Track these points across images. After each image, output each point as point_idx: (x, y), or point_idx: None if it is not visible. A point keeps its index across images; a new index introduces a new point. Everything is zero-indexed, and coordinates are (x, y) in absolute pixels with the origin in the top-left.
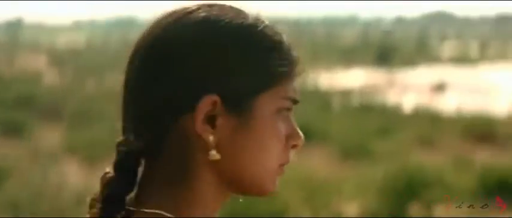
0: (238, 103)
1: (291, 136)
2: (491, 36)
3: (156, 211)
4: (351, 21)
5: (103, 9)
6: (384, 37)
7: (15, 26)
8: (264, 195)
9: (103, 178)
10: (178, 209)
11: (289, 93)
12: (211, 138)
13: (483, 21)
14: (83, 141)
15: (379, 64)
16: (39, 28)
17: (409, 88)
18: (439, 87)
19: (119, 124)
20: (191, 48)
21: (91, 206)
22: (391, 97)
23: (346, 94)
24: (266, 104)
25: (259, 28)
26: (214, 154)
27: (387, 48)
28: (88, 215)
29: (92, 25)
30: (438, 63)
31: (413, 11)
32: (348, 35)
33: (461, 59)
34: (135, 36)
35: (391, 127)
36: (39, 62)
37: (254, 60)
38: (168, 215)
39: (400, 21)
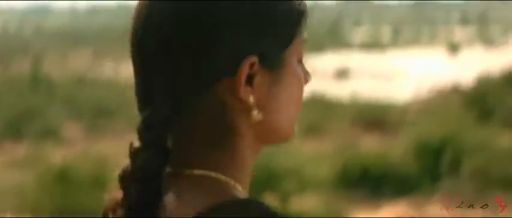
0: (272, 60)
1: (305, 77)
2: (406, 22)
3: (200, 171)
4: None
5: None
6: None
7: None
8: (288, 140)
9: (133, 152)
10: (225, 169)
11: (304, 36)
12: (251, 98)
13: (401, 6)
14: None
15: None
16: None
17: (313, 74)
18: (342, 73)
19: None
20: (222, 9)
21: (122, 184)
22: None
23: None
24: (292, 55)
25: None
26: (256, 115)
27: None
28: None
29: (10, 13)
30: (348, 48)
31: None
32: None
33: (373, 45)
34: (48, 24)
35: None
36: None
37: (281, 15)
38: (220, 175)
39: (315, 6)
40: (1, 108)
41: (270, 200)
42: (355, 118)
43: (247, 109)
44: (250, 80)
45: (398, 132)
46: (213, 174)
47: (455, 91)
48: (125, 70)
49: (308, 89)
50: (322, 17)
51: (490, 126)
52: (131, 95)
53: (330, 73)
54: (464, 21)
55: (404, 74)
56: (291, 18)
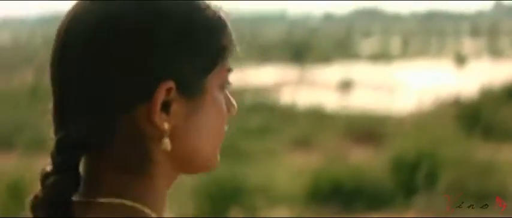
0: (191, 86)
1: (228, 107)
2: (417, 32)
3: (115, 200)
4: (280, 18)
5: (31, 7)
6: (308, 34)
7: None
8: (209, 171)
9: (43, 176)
10: (136, 196)
11: (228, 65)
12: (166, 125)
13: (413, 17)
14: None
15: (295, 61)
16: None
17: (317, 86)
18: (345, 85)
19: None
20: (141, 32)
21: (33, 208)
22: (293, 96)
23: (240, 93)
24: (214, 82)
25: (202, 7)
26: (166, 143)
27: (303, 45)
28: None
29: (21, 23)
30: (356, 60)
31: (342, 8)
32: (273, 33)
33: (380, 56)
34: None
35: (273, 127)
36: None
37: (202, 41)
38: (135, 204)
39: (328, 18)
40: None
41: (236, 215)
42: (347, 130)
43: (160, 136)
44: (167, 107)
45: (387, 144)
46: (127, 202)
47: (456, 103)
48: None
49: (305, 100)
50: (333, 28)
51: (481, 139)
52: None
53: (333, 85)
54: (474, 32)
55: (407, 86)
56: (211, 46)
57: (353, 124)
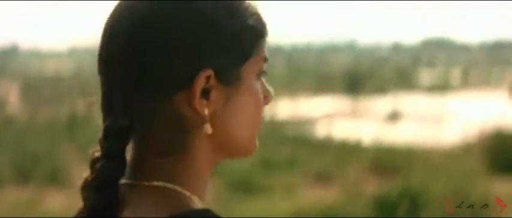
0: (229, 75)
1: (264, 95)
2: (481, 63)
3: (158, 183)
4: (349, 47)
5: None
6: (374, 64)
7: (8, 53)
8: (249, 155)
9: (92, 161)
10: (182, 180)
11: (264, 54)
12: (206, 111)
13: (481, 46)
14: None
15: (352, 92)
16: (35, 54)
17: (367, 118)
18: (393, 116)
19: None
20: (181, 25)
21: (83, 190)
22: (341, 127)
23: (280, 125)
24: (250, 70)
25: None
26: (208, 128)
27: (361, 76)
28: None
29: (88, 52)
30: (414, 90)
31: (412, 37)
32: (340, 62)
33: (438, 87)
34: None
35: (299, 160)
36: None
37: (239, 31)
38: (177, 187)
39: (397, 47)
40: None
41: None
42: (373, 164)
43: (201, 122)
44: (206, 94)
45: (409, 178)
46: (170, 186)
47: (496, 136)
48: None
49: (350, 133)
50: (401, 58)
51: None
52: None
53: (382, 117)
54: None
55: (458, 117)
56: (248, 36)
57: (381, 158)
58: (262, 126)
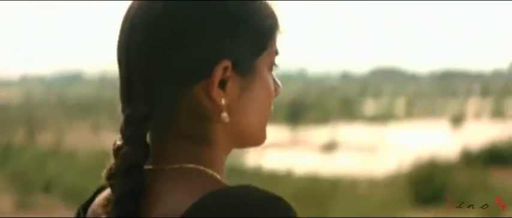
0: (246, 66)
1: (275, 87)
2: (428, 93)
3: (187, 165)
4: (300, 75)
5: (52, 64)
6: (323, 94)
7: None
8: (260, 144)
9: (116, 149)
10: (207, 163)
11: (276, 48)
12: (223, 101)
13: (432, 76)
14: None
15: (294, 122)
16: None
17: (304, 148)
18: (329, 147)
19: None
20: (201, 17)
21: (109, 177)
22: (273, 158)
23: None
24: (264, 63)
25: None
26: (225, 117)
27: (305, 106)
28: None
29: (40, 80)
30: (356, 120)
31: (362, 66)
32: (289, 92)
33: (381, 117)
34: (76, 91)
35: None
36: None
37: (255, 25)
38: (202, 167)
39: (346, 76)
40: None
41: None
42: (294, 194)
43: (218, 111)
44: (223, 84)
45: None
46: (201, 167)
47: (429, 165)
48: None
49: (281, 163)
50: (349, 87)
51: (429, 205)
52: None
53: (318, 147)
54: (485, 92)
55: (394, 147)
56: (264, 29)
57: (307, 188)
58: None
